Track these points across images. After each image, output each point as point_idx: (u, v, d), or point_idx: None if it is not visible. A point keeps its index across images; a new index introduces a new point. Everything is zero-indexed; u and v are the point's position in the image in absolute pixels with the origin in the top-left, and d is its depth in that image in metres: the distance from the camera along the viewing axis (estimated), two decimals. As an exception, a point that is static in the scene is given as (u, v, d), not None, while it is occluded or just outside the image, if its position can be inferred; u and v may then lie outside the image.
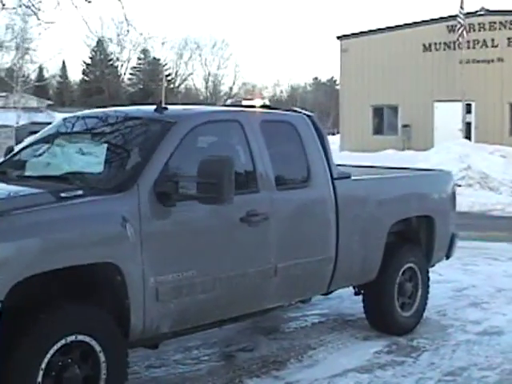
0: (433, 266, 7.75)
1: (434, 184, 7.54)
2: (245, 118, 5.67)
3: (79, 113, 6.08)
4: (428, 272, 7.38)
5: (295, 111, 6.39)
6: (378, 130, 31.68)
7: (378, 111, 31.68)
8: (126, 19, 11.29)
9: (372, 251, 6.60)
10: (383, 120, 31.73)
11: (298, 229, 5.84)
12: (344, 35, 32.13)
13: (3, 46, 45.88)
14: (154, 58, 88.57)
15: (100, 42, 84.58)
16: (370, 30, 31.66)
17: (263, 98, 6.75)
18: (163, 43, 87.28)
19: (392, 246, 6.89)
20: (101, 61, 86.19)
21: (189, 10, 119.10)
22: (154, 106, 5.50)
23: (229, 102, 7.71)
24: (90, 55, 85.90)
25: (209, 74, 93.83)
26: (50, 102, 62.28)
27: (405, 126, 30.55)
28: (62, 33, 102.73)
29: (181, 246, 4.97)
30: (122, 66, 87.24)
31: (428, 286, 7.36)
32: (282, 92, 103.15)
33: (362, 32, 31.90)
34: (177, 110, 5.65)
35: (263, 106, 6.45)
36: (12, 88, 48.05)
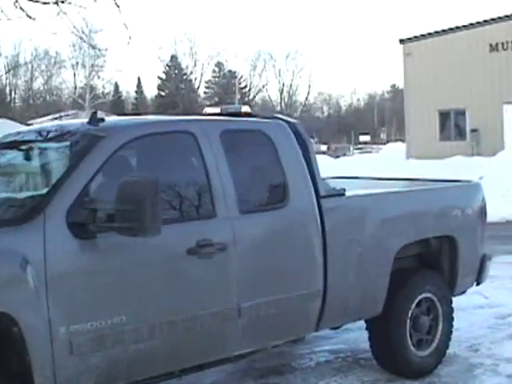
0: (463, 293, 6.62)
1: (457, 198, 6.40)
2: (199, 128, 4.73)
3: (21, 129, 5.28)
4: (451, 302, 6.24)
5: (276, 118, 5.42)
6: (445, 135, 30.02)
7: (444, 116, 30.04)
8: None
9: (374, 281, 5.55)
10: (450, 125, 30.05)
11: (269, 259, 4.86)
12: (407, 38, 30.70)
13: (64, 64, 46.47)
14: (230, 71, 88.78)
15: (174, 57, 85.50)
16: (434, 32, 30.10)
17: (245, 104, 5.77)
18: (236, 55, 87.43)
19: (402, 274, 5.83)
20: (175, 75, 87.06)
21: (261, 21, 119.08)
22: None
23: (207, 110, 6.81)
24: (165, 70, 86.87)
25: (283, 85, 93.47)
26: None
27: (473, 130, 28.83)
28: (136, 49, 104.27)
29: (103, 287, 4.09)
30: (195, 79, 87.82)
31: (452, 319, 6.22)
32: (358, 100, 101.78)
33: (425, 34, 30.39)
34: (113, 121, 4.75)
35: (240, 114, 5.48)
36: (82, 105, 48.78)
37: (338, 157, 43.02)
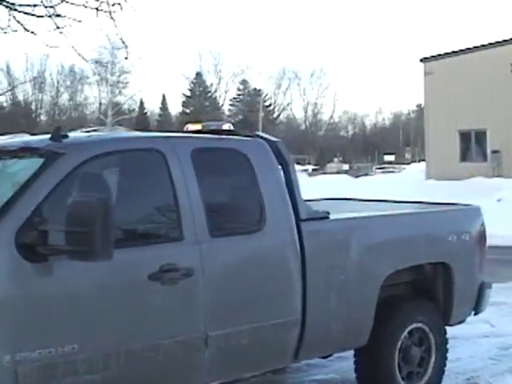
0: (460, 322, 6.27)
1: (452, 223, 6.06)
2: (168, 146, 4.48)
3: None
4: (445, 333, 5.90)
5: (257, 136, 5.15)
6: (465, 156, 29.48)
7: (465, 136, 29.50)
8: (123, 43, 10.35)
9: (358, 310, 5.23)
10: (471, 146, 29.53)
11: (242, 286, 4.58)
12: (428, 57, 30.30)
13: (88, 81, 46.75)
14: (255, 89, 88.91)
15: (198, 74, 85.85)
16: (455, 51, 29.65)
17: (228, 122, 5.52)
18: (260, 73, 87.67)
19: (391, 302, 5.51)
20: (199, 92, 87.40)
21: (285, 39, 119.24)
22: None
23: (189, 127, 6.47)
24: (189, 87, 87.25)
25: (308, 104, 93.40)
26: (146, 135, 62.68)
27: (494, 151, 28.28)
28: (162, 66, 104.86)
29: (54, 313, 3.84)
30: (220, 97, 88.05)
31: (446, 351, 5.89)
32: (384, 119, 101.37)
33: (446, 53, 29.93)
34: (77, 137, 4.52)
35: (221, 131, 5.22)
36: (102, 122, 48.98)
37: (358, 176, 42.62)
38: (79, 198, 3.68)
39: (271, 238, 4.76)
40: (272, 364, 4.93)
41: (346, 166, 65.64)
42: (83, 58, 8.75)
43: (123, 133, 4.92)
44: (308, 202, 6.84)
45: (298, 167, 62.62)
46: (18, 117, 67.12)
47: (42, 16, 8.00)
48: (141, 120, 78.41)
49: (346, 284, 5.12)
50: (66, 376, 3.83)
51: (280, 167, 5.04)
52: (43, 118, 78.21)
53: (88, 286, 3.95)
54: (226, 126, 5.31)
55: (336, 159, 78.13)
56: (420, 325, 5.68)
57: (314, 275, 4.93)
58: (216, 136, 4.96)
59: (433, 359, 5.77)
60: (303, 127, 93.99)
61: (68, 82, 78.15)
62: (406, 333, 5.57)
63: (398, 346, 5.51)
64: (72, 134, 4.48)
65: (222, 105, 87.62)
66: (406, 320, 5.58)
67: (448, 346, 5.96)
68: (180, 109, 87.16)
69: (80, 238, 3.59)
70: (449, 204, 6.61)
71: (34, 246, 3.74)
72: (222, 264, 4.51)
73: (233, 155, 4.80)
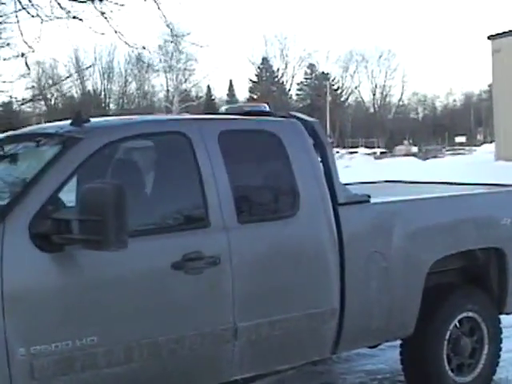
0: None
1: (506, 205, 5.68)
2: (193, 128, 4.27)
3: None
4: (499, 322, 5.56)
5: (292, 116, 4.90)
6: (536, 136, 28.50)
7: (535, 115, 28.52)
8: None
9: (402, 299, 4.94)
10: (541, 125, 28.49)
11: (273, 275, 4.36)
12: (495, 34, 29.29)
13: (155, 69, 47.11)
14: (323, 73, 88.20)
15: (265, 59, 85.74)
16: (524, 26, 28.64)
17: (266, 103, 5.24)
18: (328, 57, 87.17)
19: (439, 290, 5.21)
20: (266, 78, 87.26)
21: (352, 22, 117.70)
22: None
23: (223, 109, 6.35)
24: (256, 73, 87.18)
25: (376, 86, 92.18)
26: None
27: None
28: (228, 52, 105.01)
29: (71, 305, 3.69)
30: (287, 81, 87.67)
31: (500, 341, 5.53)
32: (455, 101, 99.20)
33: (514, 30, 28.92)
34: (98, 121, 4.35)
35: (256, 113, 4.97)
36: (168, 109, 49.37)
37: (427, 159, 41.70)
38: (92, 184, 3.52)
39: (305, 224, 4.52)
40: (308, 356, 4.70)
41: (415, 149, 64.44)
42: (127, 44, 8.57)
43: (148, 116, 4.71)
44: (355, 186, 6.60)
45: (365, 150, 61.95)
46: (88, 106, 68.21)
47: (83, 1, 7.90)
48: (208, 106, 78.85)
49: (388, 272, 4.84)
50: (85, 369, 3.69)
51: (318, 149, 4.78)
52: (112, 107, 79.35)
53: (107, 276, 3.80)
54: (262, 108, 5.06)
55: (405, 142, 76.82)
56: (471, 314, 5.35)
57: (353, 262, 4.67)
58: (246, 117, 4.73)
59: (485, 350, 5.43)
60: (372, 110, 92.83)
61: (136, 71, 78.99)
62: (455, 322, 5.25)
63: (447, 336, 5.20)
64: (95, 120, 4.31)
65: (289, 90, 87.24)
66: (455, 309, 5.26)
67: (505, 335, 5.63)
68: (247, 94, 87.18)
69: (93, 226, 3.43)
70: (503, 185, 6.22)
71: (49, 235, 3.60)
72: (252, 252, 4.29)
73: (264, 137, 4.57)
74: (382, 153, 60.66)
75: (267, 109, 5.02)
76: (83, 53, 79.64)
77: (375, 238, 4.83)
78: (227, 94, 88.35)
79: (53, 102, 74.31)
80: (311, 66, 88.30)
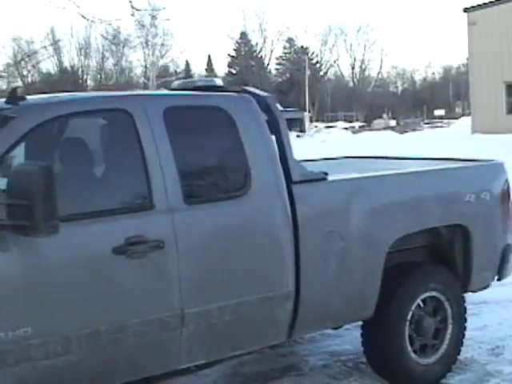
0: (483, 289, 5.75)
1: (470, 181, 5.50)
2: (136, 105, 4.03)
3: None
4: (464, 301, 5.41)
5: (244, 91, 4.67)
6: (512, 108, 28.43)
7: (511, 88, 28.40)
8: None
9: (361, 279, 4.77)
10: (518, 97, 28.38)
11: (222, 258, 4.16)
12: (471, 7, 29.05)
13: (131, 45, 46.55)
14: (302, 47, 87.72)
15: (243, 34, 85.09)
16: (498, 0, 28.33)
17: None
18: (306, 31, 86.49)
19: (400, 269, 5.05)
20: (245, 52, 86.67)
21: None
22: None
23: (176, 83, 6.04)
24: (235, 47, 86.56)
25: (354, 60, 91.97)
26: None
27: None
28: (206, 27, 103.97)
29: (3, 294, 3.47)
30: (265, 56, 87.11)
31: (464, 321, 5.39)
32: (433, 74, 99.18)
33: (490, 2, 28.62)
34: (33, 99, 4.09)
35: (208, 87, 4.74)
36: (145, 85, 48.83)
37: (405, 132, 41.64)
38: (19, 167, 3.30)
39: (257, 204, 4.31)
40: (263, 342, 4.51)
41: (393, 123, 64.37)
42: (84, 18, 8.23)
43: (88, 93, 4.47)
44: (316, 162, 6.40)
45: (344, 124, 61.77)
46: (65, 83, 67.31)
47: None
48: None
49: (346, 252, 4.66)
50: (19, 362, 3.49)
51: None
52: (90, 83, 78.46)
53: (42, 263, 3.58)
54: (216, 82, 4.83)
55: (385, 116, 76.79)
56: (434, 293, 5.19)
57: (308, 243, 4.48)
58: (194, 93, 4.50)
59: (449, 330, 5.29)
60: (351, 84, 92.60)
61: (113, 47, 78.00)
62: (417, 302, 5.09)
63: (409, 316, 5.04)
64: (32, 97, 4.06)
65: (268, 64, 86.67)
66: (418, 289, 5.09)
67: (474, 312, 5.48)
68: (226, 69, 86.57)
69: (21, 211, 3.21)
70: (467, 160, 6.05)
71: (-27, 221, 3.37)
72: (199, 234, 4.09)
73: (213, 113, 4.35)
74: (360, 127, 60.51)
75: (219, 83, 4.79)
76: (60, 29, 78.52)
77: (332, 217, 4.65)
78: (206, 69, 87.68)
79: (30, 80, 73.37)
80: (290, 41, 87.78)
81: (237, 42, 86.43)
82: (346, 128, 55.99)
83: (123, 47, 71.69)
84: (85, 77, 79.62)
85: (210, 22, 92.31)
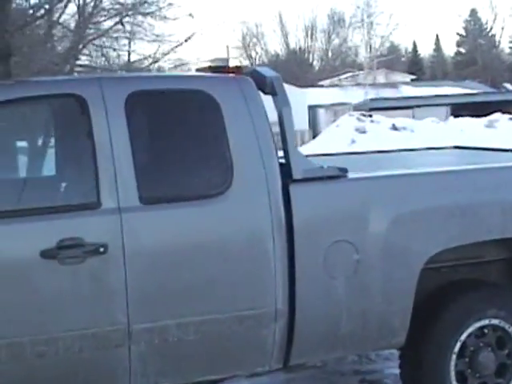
0: None
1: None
2: (93, 90, 3.52)
3: None
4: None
5: (250, 72, 4.00)
6: None
7: None
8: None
9: (384, 301, 3.93)
10: None
11: (186, 268, 3.57)
12: None
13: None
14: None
15: (473, 11, 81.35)
16: None
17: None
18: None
19: (443, 291, 4.13)
20: (474, 31, 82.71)
21: None
22: None
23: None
24: (464, 26, 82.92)
25: None
26: (413, 77, 60.70)
27: None
28: (436, 6, 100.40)
29: None
30: (496, 34, 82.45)
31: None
32: None
33: None
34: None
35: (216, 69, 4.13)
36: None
37: None
38: None
39: (237, 205, 3.66)
40: (243, 367, 3.82)
41: None
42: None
43: (45, 78, 4.05)
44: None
45: None
46: (292, 64, 68.31)
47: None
48: (414, 63, 76.23)
49: (361, 266, 3.85)
50: None
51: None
52: (316, 63, 78.91)
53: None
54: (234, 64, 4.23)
55: None
56: (495, 321, 4.19)
57: (307, 254, 3.75)
58: (169, 74, 3.92)
59: (518, 367, 4.25)
60: None
61: (339, 28, 77.81)
62: (468, 332, 4.13)
63: (456, 348, 4.10)
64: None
65: (499, 42, 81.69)
66: (468, 315, 4.12)
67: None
68: (455, 49, 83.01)
69: None
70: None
71: None
72: (156, 238, 3.52)
73: (191, 97, 3.73)
74: None
75: (227, 64, 4.15)
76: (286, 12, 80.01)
77: (344, 223, 3.85)
78: (433, 49, 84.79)
79: (257, 61, 75.45)
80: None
81: (466, 20, 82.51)
82: None
83: (348, 28, 71.40)
84: (310, 58, 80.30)
85: (438, 0, 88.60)
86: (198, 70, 4.36)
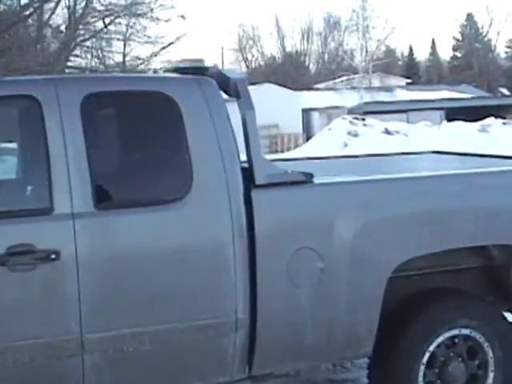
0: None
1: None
2: (47, 91, 3.41)
3: None
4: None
5: (213, 73, 3.89)
6: None
7: None
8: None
9: (349, 310, 3.82)
10: None
11: (142, 276, 3.46)
12: None
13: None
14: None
15: (469, 16, 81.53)
16: None
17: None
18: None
19: (413, 300, 4.02)
20: (470, 35, 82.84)
21: None
22: None
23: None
24: (460, 30, 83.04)
25: None
26: (408, 81, 60.68)
27: None
28: (432, 10, 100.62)
29: None
30: (492, 38, 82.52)
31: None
32: None
33: None
34: None
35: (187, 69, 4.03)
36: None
37: None
38: None
39: (196, 211, 3.55)
40: (204, 378, 3.68)
41: None
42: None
43: (3, 78, 3.95)
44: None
45: None
46: (288, 67, 68.27)
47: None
48: (410, 66, 76.30)
49: (326, 275, 3.74)
50: None
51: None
52: (312, 66, 78.91)
53: None
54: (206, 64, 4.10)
55: None
56: (466, 331, 4.08)
57: (269, 262, 3.65)
58: (127, 75, 3.82)
59: (491, 377, 4.14)
60: None
61: (335, 32, 77.84)
62: (438, 342, 4.02)
63: (424, 359, 3.99)
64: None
65: (495, 47, 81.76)
66: (437, 324, 4.02)
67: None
68: (451, 53, 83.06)
69: None
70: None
71: None
72: (112, 245, 3.42)
73: (150, 99, 3.63)
74: None
75: (202, 64, 4.03)
76: (282, 15, 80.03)
77: (307, 230, 3.74)
78: (429, 53, 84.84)
79: (253, 64, 75.37)
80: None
81: (462, 24, 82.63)
82: None
83: (344, 31, 71.41)
84: (307, 61, 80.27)
85: (435, 4, 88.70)
86: (165, 71, 4.25)
